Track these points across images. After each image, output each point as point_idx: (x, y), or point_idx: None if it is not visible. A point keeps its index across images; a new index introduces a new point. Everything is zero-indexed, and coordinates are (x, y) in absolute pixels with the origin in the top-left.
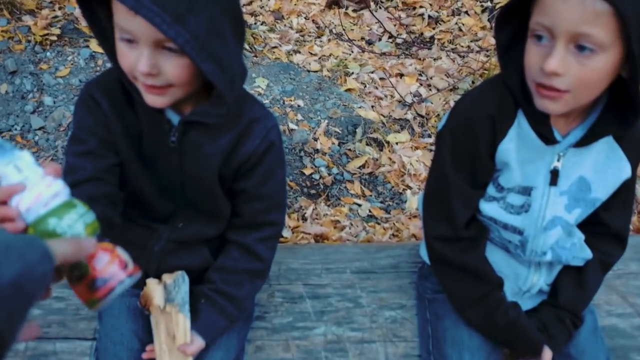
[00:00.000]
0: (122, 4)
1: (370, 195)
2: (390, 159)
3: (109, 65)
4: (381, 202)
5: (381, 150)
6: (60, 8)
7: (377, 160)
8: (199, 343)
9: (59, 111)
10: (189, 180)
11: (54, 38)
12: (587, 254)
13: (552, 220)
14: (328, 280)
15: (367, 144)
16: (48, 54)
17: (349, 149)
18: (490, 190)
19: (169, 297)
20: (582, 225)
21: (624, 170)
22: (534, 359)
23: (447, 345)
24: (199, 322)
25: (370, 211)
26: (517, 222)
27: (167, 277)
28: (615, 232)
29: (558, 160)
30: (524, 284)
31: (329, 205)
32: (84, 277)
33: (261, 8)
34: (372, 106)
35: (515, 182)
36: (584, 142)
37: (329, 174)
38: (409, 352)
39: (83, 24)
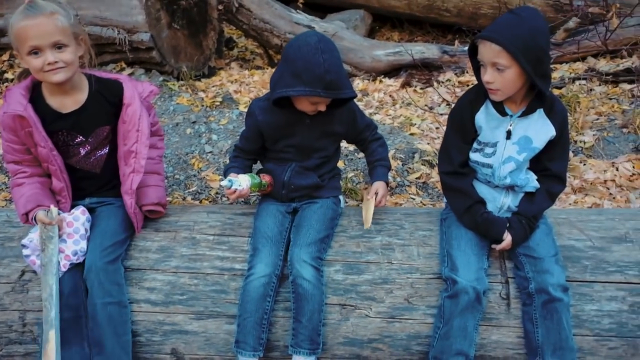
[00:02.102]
0: None
1: (423, 195)
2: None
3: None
4: (430, 199)
5: (432, 168)
6: (220, 88)
7: (428, 174)
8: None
9: (221, 143)
10: (315, 141)
11: (218, 103)
12: (536, 184)
13: (508, 158)
14: (385, 217)
15: (422, 164)
16: (214, 112)
17: (409, 167)
18: (475, 145)
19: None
20: (535, 171)
21: (551, 131)
22: (500, 243)
23: (452, 238)
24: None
25: (421, 202)
26: (489, 161)
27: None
28: (555, 173)
29: (510, 125)
30: (499, 203)
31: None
32: (263, 187)
33: None
34: (428, 143)
35: (488, 139)
36: (524, 114)
37: (394, 181)
38: (433, 252)
39: (234, 96)
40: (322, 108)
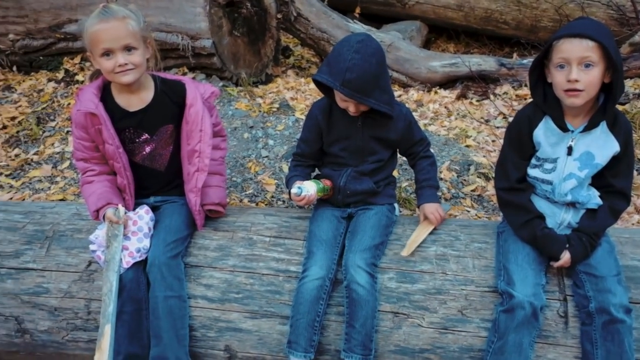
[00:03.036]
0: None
1: (478, 208)
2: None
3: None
4: (485, 212)
5: (488, 181)
6: (277, 94)
7: (484, 187)
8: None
9: (277, 148)
10: (366, 144)
11: (275, 109)
12: (598, 201)
13: (569, 175)
14: (440, 227)
15: (477, 177)
16: (271, 117)
17: (464, 180)
18: (534, 160)
19: None
20: (598, 187)
21: (615, 147)
22: (558, 260)
23: (509, 252)
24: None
25: (476, 215)
26: (549, 177)
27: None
28: (619, 190)
29: (572, 141)
30: (559, 219)
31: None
32: (326, 191)
33: (407, 99)
34: (484, 156)
35: (547, 155)
36: (586, 129)
37: (449, 193)
38: (489, 264)
39: (291, 103)
40: (351, 109)
